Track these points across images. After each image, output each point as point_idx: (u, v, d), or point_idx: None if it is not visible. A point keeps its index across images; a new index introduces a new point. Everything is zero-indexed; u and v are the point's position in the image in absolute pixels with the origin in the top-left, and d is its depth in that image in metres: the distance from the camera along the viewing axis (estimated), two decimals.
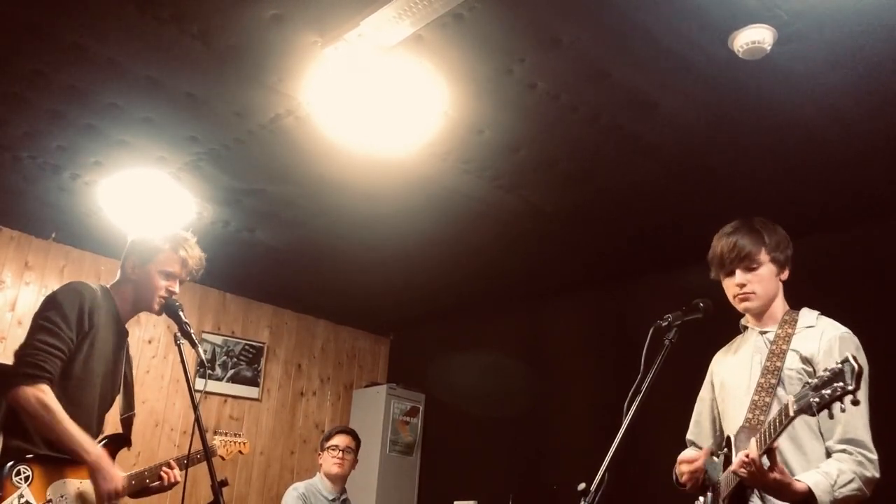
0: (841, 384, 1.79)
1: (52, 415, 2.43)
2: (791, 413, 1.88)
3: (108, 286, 2.78)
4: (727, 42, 2.80)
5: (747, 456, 1.98)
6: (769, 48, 2.78)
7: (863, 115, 3.20)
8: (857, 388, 1.77)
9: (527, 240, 4.68)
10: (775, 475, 1.95)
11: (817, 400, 1.82)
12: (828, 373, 1.83)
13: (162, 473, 2.74)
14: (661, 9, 2.69)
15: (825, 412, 1.83)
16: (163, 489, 2.77)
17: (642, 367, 2.15)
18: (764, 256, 2.33)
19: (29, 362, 2.46)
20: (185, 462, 2.70)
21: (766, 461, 1.97)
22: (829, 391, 1.80)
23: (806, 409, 1.84)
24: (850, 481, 2.02)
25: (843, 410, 1.80)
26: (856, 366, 1.77)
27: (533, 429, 5.32)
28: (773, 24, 2.71)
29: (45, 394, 2.43)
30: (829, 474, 2.02)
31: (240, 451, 3.33)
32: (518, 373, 5.48)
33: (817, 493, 1.97)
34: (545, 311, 5.54)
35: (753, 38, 2.74)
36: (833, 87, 3.04)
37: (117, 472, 2.53)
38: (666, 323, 2.26)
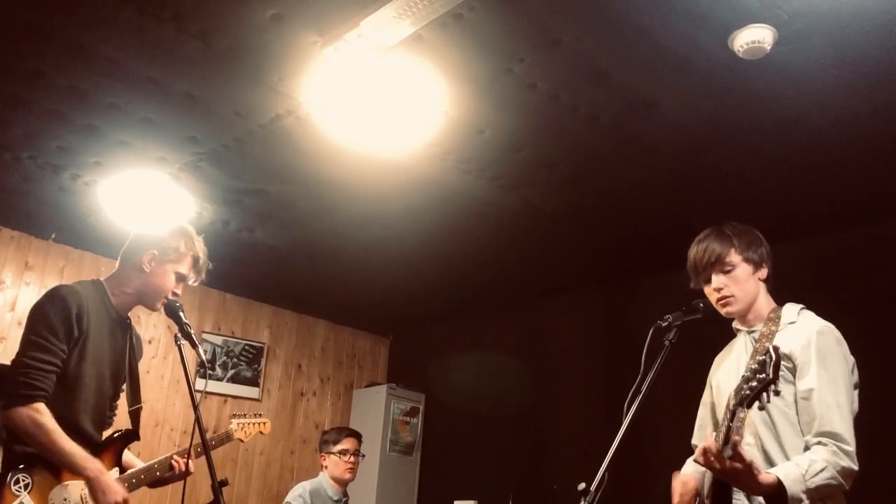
0: (763, 375, 1.85)
1: (47, 434, 2.41)
2: (731, 407, 1.92)
3: (102, 279, 2.76)
4: (727, 42, 2.80)
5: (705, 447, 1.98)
6: (769, 48, 2.78)
7: (863, 114, 3.20)
8: (776, 377, 1.84)
9: (527, 240, 4.68)
10: (736, 465, 1.93)
11: (748, 392, 1.88)
12: (756, 365, 1.88)
13: (173, 463, 2.76)
14: (661, 9, 2.69)
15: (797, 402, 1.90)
16: (176, 478, 2.77)
17: (642, 368, 2.16)
18: (735, 257, 2.35)
19: (22, 382, 2.43)
20: (203, 450, 2.69)
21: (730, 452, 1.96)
22: (755, 383, 1.87)
23: (741, 402, 1.90)
24: (823, 470, 2.00)
25: (768, 401, 1.87)
26: (774, 356, 1.84)
27: (532, 429, 5.32)
28: (773, 24, 2.71)
29: (40, 413, 2.41)
30: (800, 465, 2.01)
31: (260, 432, 3.29)
32: (518, 373, 5.48)
33: (787, 483, 1.96)
34: (545, 311, 5.54)
35: (753, 38, 2.74)
36: (833, 87, 3.04)
37: (117, 485, 2.52)
38: (666, 323, 2.27)
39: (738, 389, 1.92)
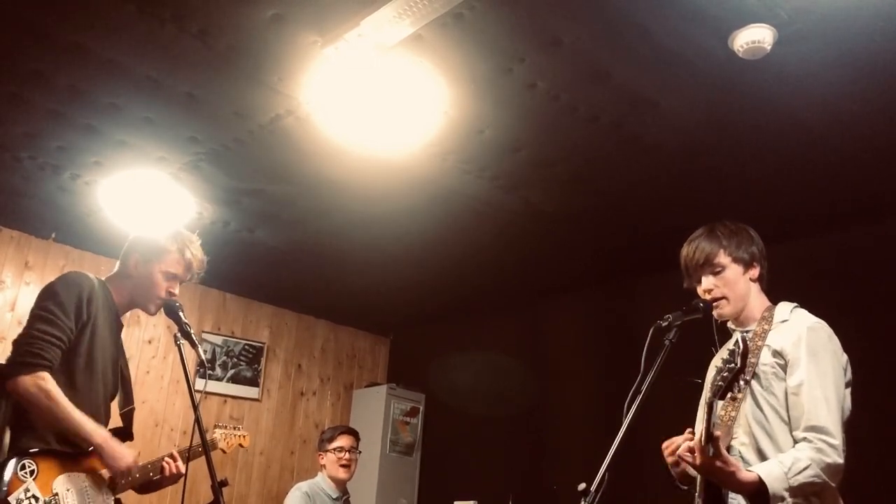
0: (732, 365, 1.90)
1: (53, 402, 2.43)
2: (707, 400, 1.95)
3: (103, 279, 2.77)
4: (727, 42, 2.80)
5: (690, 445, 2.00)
6: (769, 48, 2.78)
7: (863, 114, 3.20)
8: (743, 366, 1.89)
9: (527, 240, 4.68)
10: (718, 463, 1.94)
11: (720, 384, 1.93)
12: (727, 355, 1.93)
13: (164, 465, 2.74)
14: (661, 9, 2.69)
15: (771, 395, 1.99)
16: (166, 482, 2.75)
17: (642, 368, 2.16)
18: (724, 258, 2.35)
19: (27, 351, 2.46)
20: (188, 455, 2.70)
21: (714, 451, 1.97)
22: (726, 373, 1.92)
23: (715, 394, 1.94)
24: (806, 468, 2.00)
25: (740, 390, 1.95)
26: (742, 346, 1.89)
27: (533, 429, 5.32)
28: (773, 24, 2.71)
29: (45, 381, 2.43)
30: (783, 462, 2.02)
31: (240, 445, 3.33)
32: (518, 373, 5.48)
33: (768, 481, 1.96)
34: (545, 311, 5.54)
35: (753, 38, 2.74)
36: (833, 87, 3.04)
37: (126, 449, 2.55)
38: (666, 323, 2.26)
39: (713, 382, 1.96)
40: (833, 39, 2.76)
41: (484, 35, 2.89)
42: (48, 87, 3.37)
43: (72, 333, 2.54)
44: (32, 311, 2.57)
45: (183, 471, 2.73)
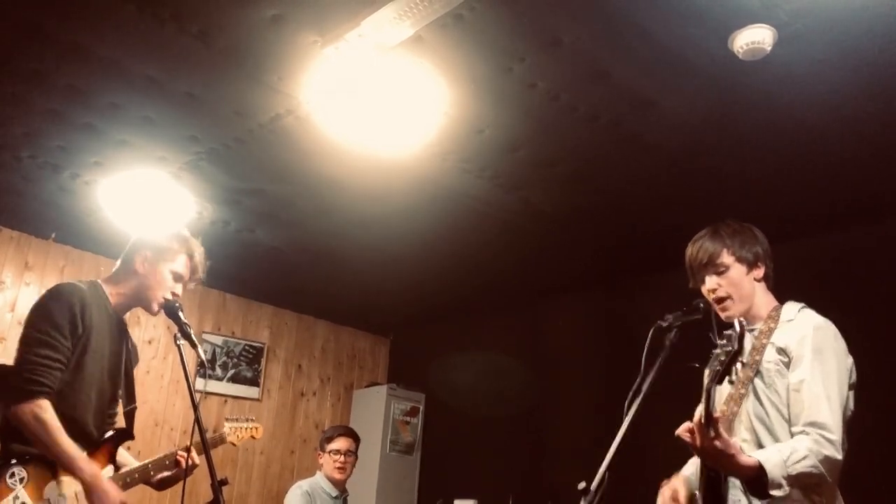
0: (729, 348, 1.93)
1: (48, 432, 2.40)
2: (706, 387, 1.96)
3: (98, 280, 2.75)
4: (727, 42, 2.80)
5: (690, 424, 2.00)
6: (769, 48, 2.78)
7: (863, 114, 3.20)
8: (740, 348, 1.92)
9: (527, 240, 4.68)
10: (718, 445, 1.94)
11: (718, 368, 1.95)
12: (723, 340, 1.95)
13: (178, 458, 2.77)
14: (662, 9, 2.69)
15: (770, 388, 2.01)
16: (180, 475, 2.77)
17: (642, 368, 2.16)
18: (728, 258, 2.35)
19: (27, 378, 2.42)
20: (188, 448, 2.70)
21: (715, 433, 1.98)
22: (723, 357, 1.94)
23: (714, 379, 1.96)
24: (804, 458, 2.01)
25: (736, 373, 1.97)
26: (739, 329, 1.92)
27: (533, 429, 5.32)
28: (773, 24, 2.71)
29: (42, 410, 2.40)
30: (781, 451, 2.02)
31: (252, 437, 3.32)
32: (518, 373, 5.48)
33: (768, 467, 1.97)
34: (545, 311, 5.54)
35: (753, 38, 2.74)
36: (833, 87, 3.04)
37: (113, 488, 2.52)
38: (666, 323, 2.26)
39: (710, 366, 1.97)
40: (833, 39, 2.76)
41: (484, 35, 2.89)
42: (48, 87, 3.37)
43: (70, 353, 2.51)
44: (28, 332, 2.52)
45: (198, 462, 2.73)
